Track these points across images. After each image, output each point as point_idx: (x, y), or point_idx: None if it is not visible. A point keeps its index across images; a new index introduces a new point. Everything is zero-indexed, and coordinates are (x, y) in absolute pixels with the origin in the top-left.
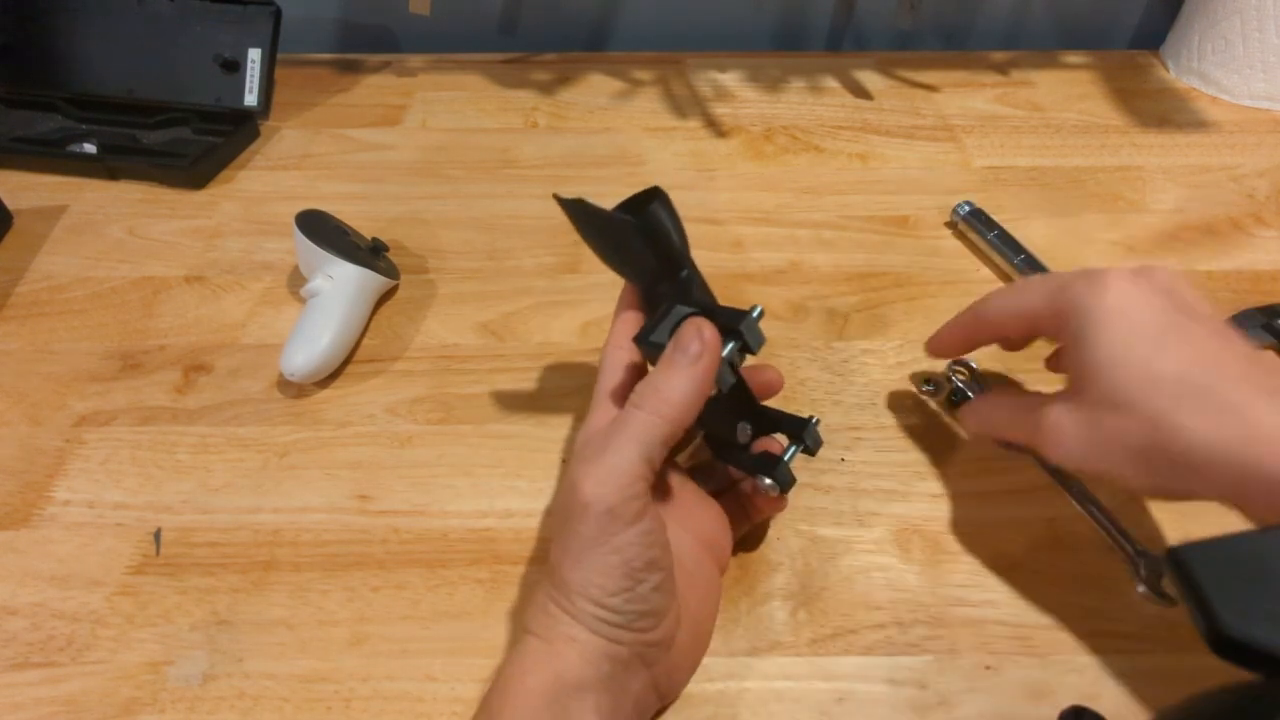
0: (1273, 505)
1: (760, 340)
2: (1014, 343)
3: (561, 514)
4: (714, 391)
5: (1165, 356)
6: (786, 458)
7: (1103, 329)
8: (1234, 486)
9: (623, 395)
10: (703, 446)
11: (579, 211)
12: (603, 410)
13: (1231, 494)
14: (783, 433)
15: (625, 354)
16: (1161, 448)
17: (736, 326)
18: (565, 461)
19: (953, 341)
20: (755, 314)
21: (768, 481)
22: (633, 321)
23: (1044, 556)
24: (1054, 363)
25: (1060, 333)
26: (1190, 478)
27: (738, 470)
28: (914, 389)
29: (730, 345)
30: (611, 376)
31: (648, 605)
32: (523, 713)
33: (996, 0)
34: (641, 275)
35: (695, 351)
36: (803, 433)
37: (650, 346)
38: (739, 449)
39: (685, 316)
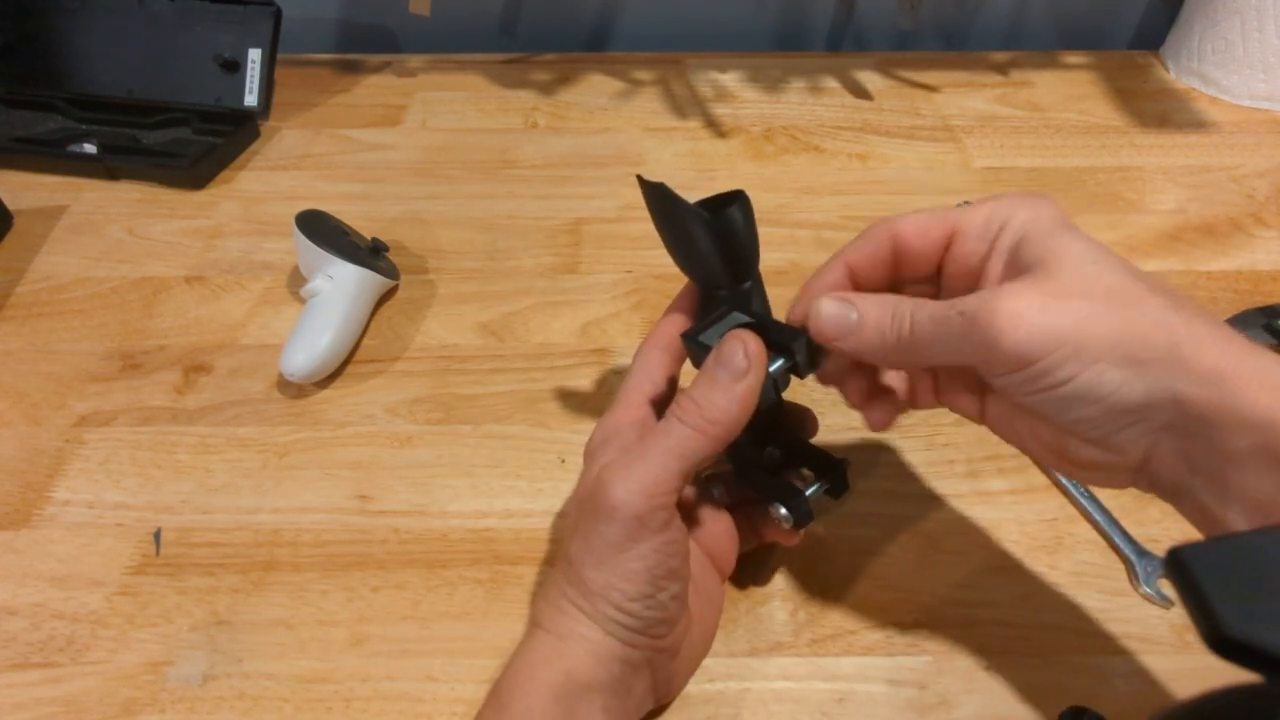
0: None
1: (811, 365)
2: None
3: (584, 511)
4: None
5: (1149, 276)
6: (808, 493)
7: (1078, 234)
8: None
9: (651, 396)
10: (723, 457)
11: (658, 196)
12: (626, 406)
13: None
14: (811, 469)
15: (661, 354)
16: (1181, 357)
17: (789, 345)
18: (564, 461)
19: (864, 265)
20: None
21: (783, 512)
22: (679, 323)
23: (1044, 556)
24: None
25: (982, 245)
26: (1210, 388)
27: (755, 493)
28: None
29: (779, 363)
30: (643, 374)
31: (666, 612)
32: (532, 707)
33: (996, 0)
34: (703, 276)
35: (739, 368)
36: (831, 473)
37: (697, 346)
38: (762, 472)
39: (739, 326)
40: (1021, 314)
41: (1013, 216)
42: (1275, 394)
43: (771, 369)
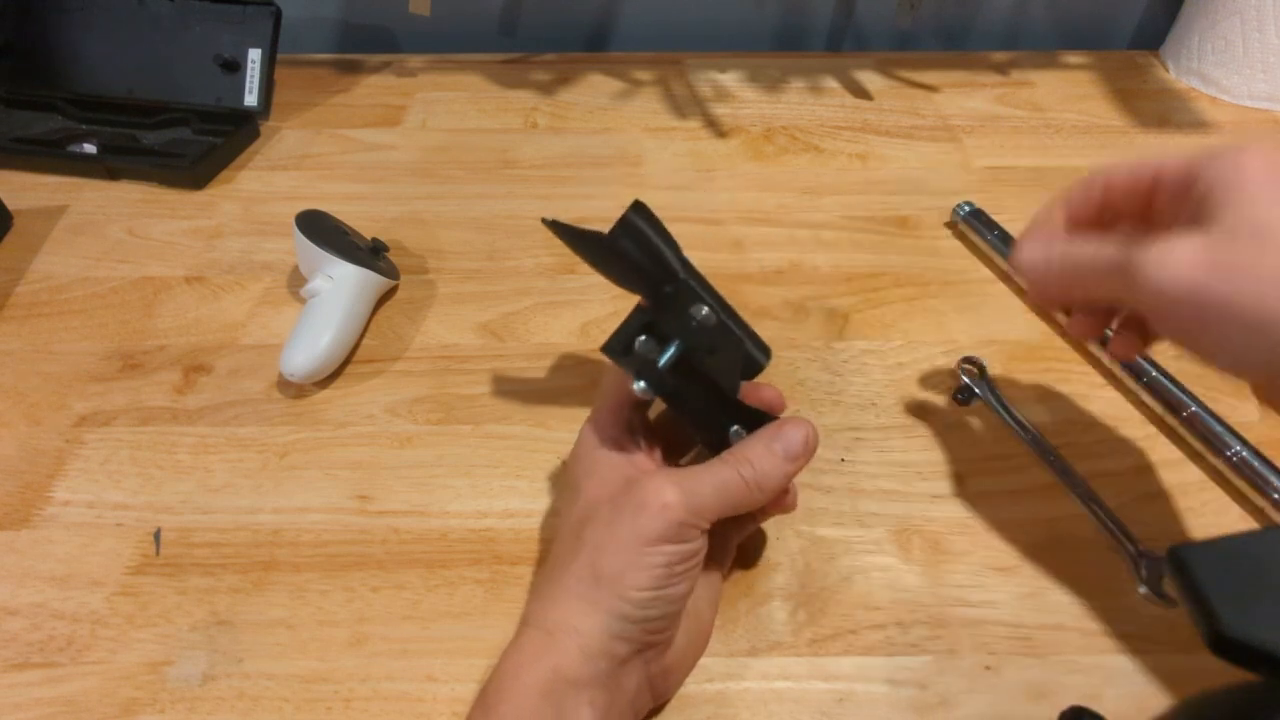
0: None
1: (704, 343)
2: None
3: (619, 505)
4: (643, 391)
5: None
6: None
7: (1249, 168)
8: None
9: (628, 400)
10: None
11: (560, 231)
12: (605, 410)
13: None
14: None
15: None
16: None
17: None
18: (564, 461)
19: (1083, 208)
20: (703, 314)
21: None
22: None
23: (1044, 556)
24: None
25: (1184, 190)
26: None
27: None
28: (915, 389)
29: (669, 352)
30: (620, 381)
31: (667, 609)
32: (521, 707)
33: (996, 0)
34: (636, 285)
35: (796, 453)
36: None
37: (620, 357)
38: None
39: (642, 319)
40: (1174, 256)
41: (1205, 169)
42: None
43: (661, 362)
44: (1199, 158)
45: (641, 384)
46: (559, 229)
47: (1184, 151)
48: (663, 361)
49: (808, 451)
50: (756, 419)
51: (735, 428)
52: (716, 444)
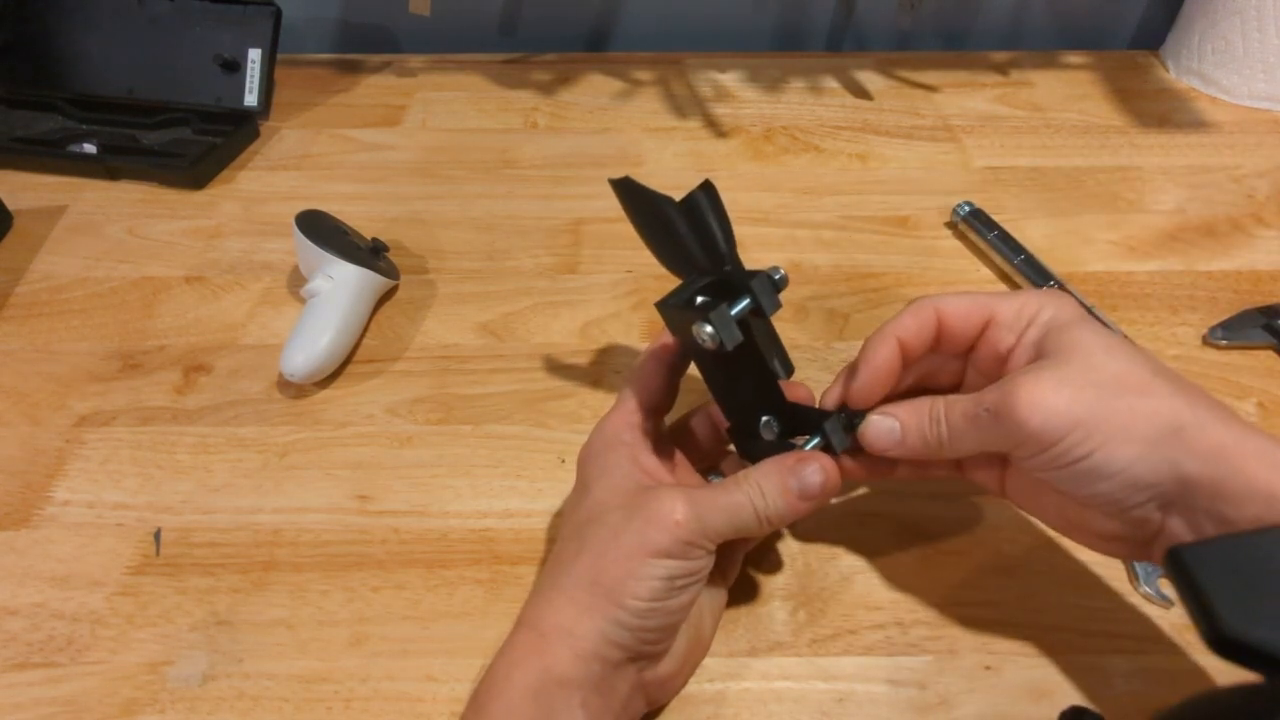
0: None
1: (775, 305)
2: (917, 357)
3: (631, 515)
4: (716, 346)
5: (1157, 363)
6: (809, 446)
7: (1094, 327)
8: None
9: (646, 403)
10: (716, 449)
11: (627, 189)
12: (623, 411)
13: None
14: (807, 429)
15: (658, 365)
16: (1185, 438)
17: (750, 286)
18: (564, 461)
19: (913, 341)
20: (778, 276)
21: (816, 441)
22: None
23: (1044, 556)
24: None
25: (1011, 336)
26: (1214, 464)
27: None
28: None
29: (742, 303)
30: (639, 383)
31: (665, 621)
32: (511, 708)
33: (996, 0)
34: (684, 261)
35: (812, 492)
36: (824, 425)
37: (675, 311)
38: (764, 445)
39: (704, 281)
40: (1038, 401)
41: (1040, 311)
42: (1275, 469)
43: (733, 311)
44: (1030, 302)
45: (709, 329)
46: (627, 187)
47: (1015, 294)
48: (735, 310)
49: (824, 496)
50: (792, 413)
51: (767, 418)
52: (745, 429)
